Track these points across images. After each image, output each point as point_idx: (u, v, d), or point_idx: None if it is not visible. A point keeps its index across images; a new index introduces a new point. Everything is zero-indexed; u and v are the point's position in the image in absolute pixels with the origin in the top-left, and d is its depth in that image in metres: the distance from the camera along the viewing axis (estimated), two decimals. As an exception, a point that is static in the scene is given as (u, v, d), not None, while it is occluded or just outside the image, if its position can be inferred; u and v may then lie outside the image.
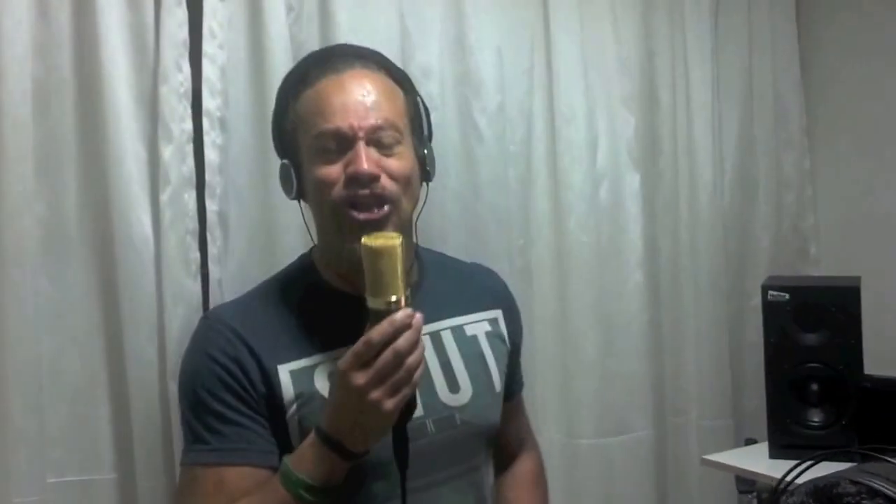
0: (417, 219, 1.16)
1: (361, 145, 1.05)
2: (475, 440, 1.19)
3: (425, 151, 1.13)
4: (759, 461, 1.70)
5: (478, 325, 1.22)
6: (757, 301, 1.96)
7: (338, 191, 1.05)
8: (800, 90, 2.05)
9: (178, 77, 1.35)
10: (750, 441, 1.88)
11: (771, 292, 1.71)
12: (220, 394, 1.05)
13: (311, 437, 1.00)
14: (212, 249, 1.41)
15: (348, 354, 0.95)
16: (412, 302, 0.98)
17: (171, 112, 1.34)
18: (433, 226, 1.55)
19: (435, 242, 1.53)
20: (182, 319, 1.37)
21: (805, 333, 1.69)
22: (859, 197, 2.03)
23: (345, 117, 1.05)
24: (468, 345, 1.20)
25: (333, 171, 1.05)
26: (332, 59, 1.11)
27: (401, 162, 1.08)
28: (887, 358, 1.72)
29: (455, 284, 1.25)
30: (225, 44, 1.39)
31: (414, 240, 1.17)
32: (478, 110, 1.61)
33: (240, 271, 1.43)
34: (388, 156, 1.07)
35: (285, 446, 1.06)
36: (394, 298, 0.95)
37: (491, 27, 1.63)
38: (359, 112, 1.06)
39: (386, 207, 1.06)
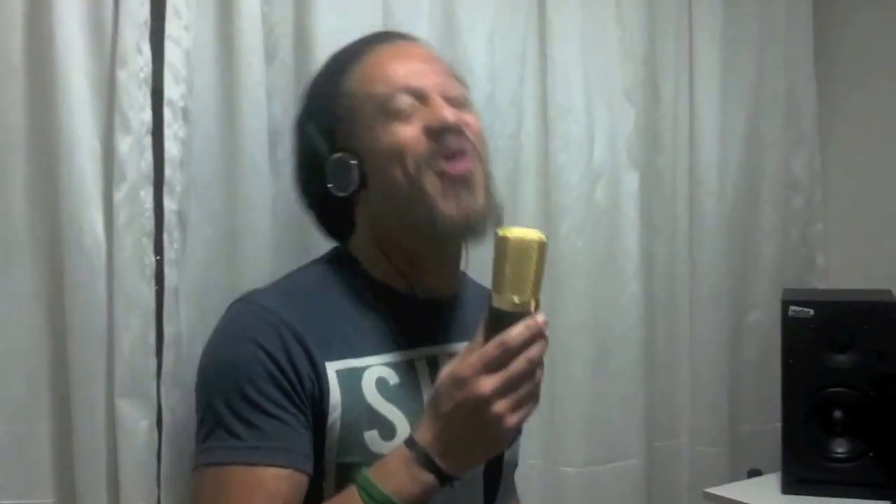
0: None
1: (437, 97, 1.12)
2: (507, 479, 1.25)
3: None
4: (770, 496, 1.78)
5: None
6: (757, 314, 2.12)
7: (424, 146, 1.09)
8: (813, 85, 2.21)
9: (137, 61, 1.42)
10: (754, 472, 2.00)
11: (793, 308, 1.77)
12: (266, 387, 1.05)
13: (402, 451, 1.00)
14: (169, 253, 1.49)
15: (473, 358, 0.96)
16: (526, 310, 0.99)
17: (130, 100, 1.41)
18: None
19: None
20: (135, 329, 1.45)
21: (831, 353, 1.75)
22: (873, 202, 2.20)
23: (413, 75, 1.12)
24: None
25: (410, 130, 1.10)
26: (377, 37, 1.18)
27: (476, 118, 1.16)
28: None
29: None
30: (191, 25, 1.46)
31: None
32: (466, 100, 1.71)
33: (199, 277, 1.52)
34: (463, 112, 1.14)
35: (317, 459, 1.07)
36: (525, 300, 0.97)
37: (483, 9, 1.73)
38: (423, 69, 1.13)
39: (473, 162, 1.11)
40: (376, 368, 1.11)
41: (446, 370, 0.99)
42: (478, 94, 1.71)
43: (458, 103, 1.15)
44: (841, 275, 2.23)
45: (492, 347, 0.95)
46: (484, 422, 0.95)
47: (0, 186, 1.39)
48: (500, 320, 0.97)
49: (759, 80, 2.13)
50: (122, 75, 1.41)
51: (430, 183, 1.09)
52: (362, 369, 1.10)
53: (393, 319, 1.12)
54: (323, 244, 1.59)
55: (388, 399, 1.10)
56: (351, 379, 1.09)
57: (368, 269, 1.18)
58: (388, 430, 1.08)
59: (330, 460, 1.07)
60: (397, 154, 1.10)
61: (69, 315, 1.42)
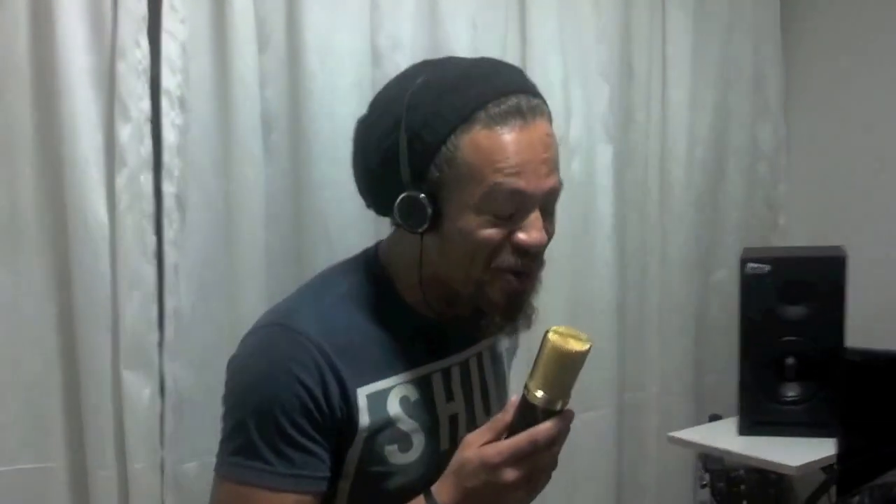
0: None
1: (537, 214, 1.07)
2: None
3: None
4: (727, 438, 1.90)
5: (503, 340, 1.33)
6: (722, 273, 2.25)
7: (503, 259, 1.07)
8: (779, 57, 2.30)
9: (136, 54, 1.50)
10: (714, 417, 2.15)
11: (750, 265, 1.86)
12: (298, 419, 1.08)
13: (421, 501, 1.05)
14: (168, 234, 1.58)
15: (504, 448, 1.00)
16: None
17: (129, 91, 1.49)
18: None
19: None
20: (137, 305, 1.56)
21: (785, 306, 1.85)
22: (834, 167, 2.30)
23: (527, 173, 1.04)
24: (498, 364, 1.31)
25: (499, 233, 1.06)
26: (512, 97, 1.06)
27: (554, 227, 1.14)
28: (860, 332, 1.90)
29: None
30: (186, 18, 1.53)
31: None
32: (449, 83, 1.79)
33: (197, 255, 1.62)
34: (548, 221, 1.11)
35: (337, 465, 1.12)
36: (559, 400, 1.00)
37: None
38: (540, 171, 1.05)
39: (534, 278, 1.12)
40: (400, 388, 1.14)
41: (475, 445, 1.02)
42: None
43: (550, 211, 1.11)
44: (801, 234, 2.34)
45: (524, 442, 0.99)
46: (499, 501, 1.02)
47: (8, 173, 1.47)
48: (532, 412, 1.00)
49: (727, 55, 2.22)
50: (121, 67, 1.49)
51: (494, 284, 1.09)
52: (388, 390, 1.13)
53: (415, 339, 1.16)
54: (315, 226, 1.69)
55: (409, 415, 1.14)
56: (378, 400, 1.13)
57: (402, 294, 1.18)
58: (405, 444, 1.14)
59: (350, 465, 1.13)
60: (478, 248, 1.07)
61: (76, 292, 1.52)
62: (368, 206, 1.18)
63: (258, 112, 1.61)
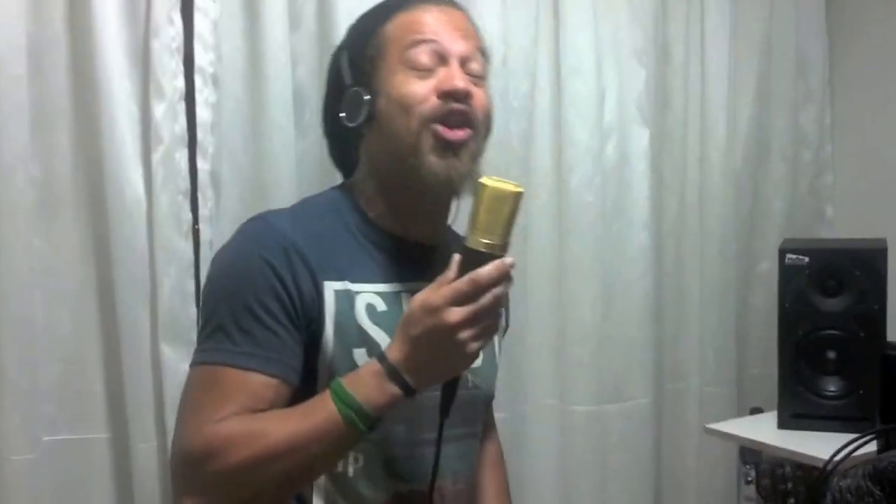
0: None
1: (456, 64, 1.21)
2: (480, 405, 1.37)
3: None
4: (766, 432, 1.86)
5: None
6: (766, 265, 2.20)
7: (430, 105, 1.19)
8: (824, 39, 2.25)
9: (169, 31, 1.53)
10: (755, 410, 2.10)
11: (789, 256, 1.84)
12: (267, 301, 1.13)
13: (374, 365, 1.09)
14: (203, 209, 1.62)
15: (445, 290, 1.05)
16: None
17: (163, 68, 1.53)
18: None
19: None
20: (174, 280, 1.59)
21: (824, 298, 1.82)
22: (882, 156, 2.24)
23: (442, 35, 1.21)
24: None
25: (424, 86, 1.20)
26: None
27: (485, 95, 1.25)
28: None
29: None
30: (218, -5, 1.57)
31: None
32: (480, 63, 1.80)
33: (231, 231, 1.62)
34: (475, 84, 1.24)
35: (311, 365, 1.17)
36: (496, 243, 1.05)
37: (497, -26, 1.81)
38: (454, 35, 1.22)
39: (470, 130, 1.21)
40: (367, 295, 1.20)
41: (419, 297, 1.07)
42: (493, 56, 1.80)
43: (475, 76, 1.24)
44: (849, 225, 2.28)
45: (464, 283, 1.04)
46: (449, 347, 1.06)
47: (48, 149, 1.52)
48: (471, 258, 1.05)
49: (769, 38, 2.18)
50: (155, 45, 1.53)
51: (426, 140, 1.19)
52: (355, 293, 1.19)
53: (383, 256, 1.23)
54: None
55: (376, 322, 1.20)
56: (345, 300, 1.18)
57: (365, 210, 1.28)
58: (374, 349, 1.18)
59: (323, 371, 1.16)
60: (406, 105, 1.20)
61: (114, 265, 1.55)
62: (336, 161, 1.37)
63: (290, 90, 1.63)
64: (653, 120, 2.04)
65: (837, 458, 0.84)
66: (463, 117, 1.20)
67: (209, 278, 1.23)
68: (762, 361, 2.20)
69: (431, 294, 1.06)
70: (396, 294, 1.23)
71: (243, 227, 1.25)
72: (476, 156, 1.23)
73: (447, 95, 1.19)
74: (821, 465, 1.76)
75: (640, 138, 2.02)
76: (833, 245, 2.01)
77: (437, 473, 1.17)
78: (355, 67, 1.26)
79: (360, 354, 1.18)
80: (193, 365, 1.18)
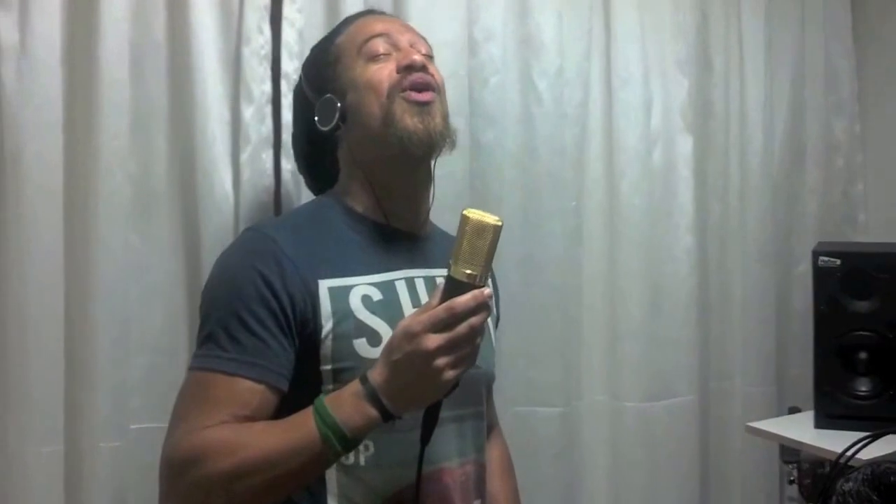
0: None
1: (408, 46, 1.35)
2: (481, 386, 1.41)
3: None
4: (803, 431, 1.92)
5: None
6: (804, 267, 2.28)
7: (395, 79, 1.31)
8: (851, 54, 2.37)
9: (259, 39, 1.64)
10: (794, 409, 2.17)
11: (822, 258, 1.91)
12: (256, 308, 1.18)
13: (356, 386, 1.11)
14: (285, 206, 1.69)
15: (424, 317, 1.08)
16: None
17: (252, 73, 1.63)
18: (490, 186, 1.88)
19: (491, 203, 1.85)
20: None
21: (855, 300, 1.89)
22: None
23: (391, 29, 1.36)
24: None
25: (385, 67, 1.32)
26: (367, 11, 1.45)
27: (440, 76, 1.37)
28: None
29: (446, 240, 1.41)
30: (304, 7, 1.68)
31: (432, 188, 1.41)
32: (538, 73, 1.92)
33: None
34: (428, 64, 1.36)
35: (314, 367, 1.21)
36: (477, 273, 1.09)
37: (552, -11, 1.92)
38: (401, 30, 1.38)
39: (434, 93, 1.32)
40: (361, 287, 1.26)
41: (402, 322, 1.11)
42: (548, 67, 1.92)
43: (426, 57, 1.37)
44: (883, 231, 2.37)
45: (441, 310, 1.08)
46: (426, 373, 1.08)
47: (145, 148, 1.61)
48: (453, 287, 1.09)
49: (801, 53, 2.30)
50: (245, 52, 1.63)
51: (399, 107, 1.29)
52: (350, 287, 1.25)
53: (373, 247, 1.30)
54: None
55: (373, 312, 1.25)
56: (340, 294, 1.24)
57: (351, 205, 1.36)
58: (374, 338, 1.24)
59: (326, 367, 1.21)
60: (373, 85, 1.31)
61: (203, 261, 1.62)
62: (308, 179, 1.50)
63: (366, 95, 1.73)
64: (696, 127, 2.14)
65: (842, 459, 0.85)
66: (425, 83, 1.31)
67: (205, 287, 1.29)
68: (801, 361, 2.27)
69: (412, 320, 1.09)
70: (390, 283, 1.29)
71: (237, 239, 1.32)
72: (445, 116, 1.34)
73: (407, 68, 1.31)
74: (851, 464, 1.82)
75: (685, 145, 2.12)
76: (864, 249, 2.08)
77: (420, 494, 1.20)
78: (318, 82, 1.37)
79: (360, 345, 1.22)
80: (188, 371, 1.23)
